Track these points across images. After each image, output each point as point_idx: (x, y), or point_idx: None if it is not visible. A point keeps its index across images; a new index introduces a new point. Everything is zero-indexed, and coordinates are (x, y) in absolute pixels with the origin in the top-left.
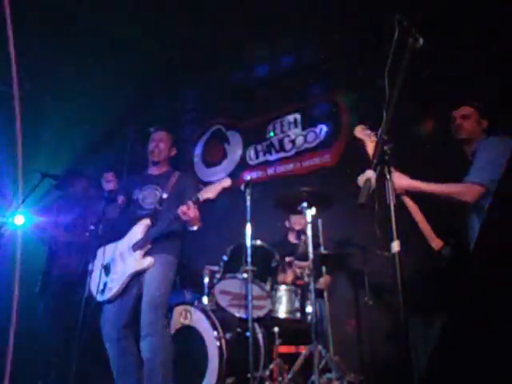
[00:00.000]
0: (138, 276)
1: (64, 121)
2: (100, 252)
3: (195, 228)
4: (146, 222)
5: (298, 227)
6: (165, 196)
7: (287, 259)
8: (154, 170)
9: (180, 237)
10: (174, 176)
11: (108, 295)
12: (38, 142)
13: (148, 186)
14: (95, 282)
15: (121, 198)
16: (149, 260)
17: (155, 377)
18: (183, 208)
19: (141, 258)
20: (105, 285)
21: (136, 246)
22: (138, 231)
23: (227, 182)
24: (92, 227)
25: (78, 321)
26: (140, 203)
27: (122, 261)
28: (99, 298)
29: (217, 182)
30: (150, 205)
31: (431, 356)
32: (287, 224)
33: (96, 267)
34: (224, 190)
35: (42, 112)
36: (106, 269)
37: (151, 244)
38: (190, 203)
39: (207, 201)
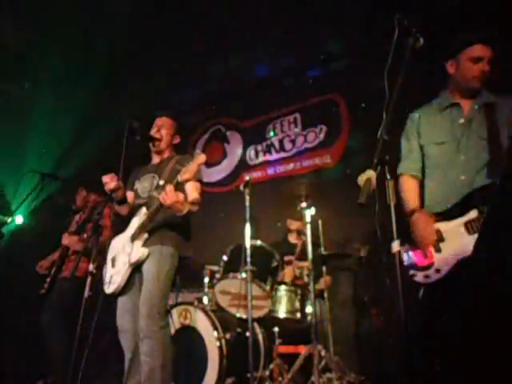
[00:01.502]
0: (138, 268)
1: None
2: (112, 244)
3: (183, 213)
4: (143, 211)
5: (293, 227)
6: (161, 182)
7: (286, 258)
8: (155, 159)
9: (179, 226)
10: (173, 161)
11: (113, 288)
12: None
13: (146, 175)
14: (105, 275)
15: (129, 194)
16: (141, 251)
17: (154, 380)
18: (162, 194)
19: (137, 249)
20: (111, 277)
21: (133, 237)
22: (135, 221)
23: (202, 158)
24: (85, 235)
25: (79, 321)
26: (138, 193)
27: (124, 253)
28: (107, 290)
29: (193, 161)
30: (146, 193)
31: (431, 355)
32: (288, 224)
33: (107, 260)
34: (200, 166)
35: (38, 110)
36: (113, 261)
37: (148, 233)
38: (169, 188)
39: (187, 181)
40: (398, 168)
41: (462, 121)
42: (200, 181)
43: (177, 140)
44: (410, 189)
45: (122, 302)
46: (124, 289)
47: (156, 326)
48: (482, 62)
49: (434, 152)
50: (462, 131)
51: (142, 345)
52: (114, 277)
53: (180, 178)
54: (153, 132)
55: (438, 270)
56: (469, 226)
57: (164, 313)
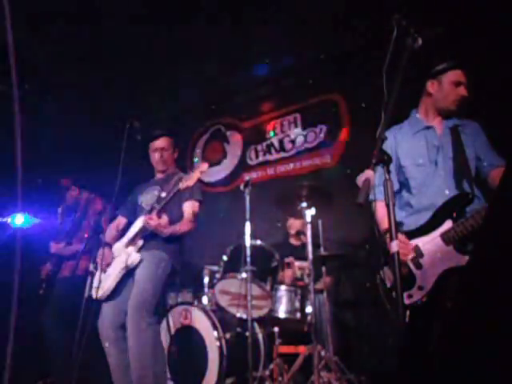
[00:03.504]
0: (130, 274)
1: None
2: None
3: (166, 235)
4: (142, 218)
5: (293, 230)
6: (163, 195)
7: (286, 260)
8: (159, 175)
9: (173, 238)
10: (177, 176)
11: (101, 292)
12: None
13: (150, 189)
14: (95, 280)
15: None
16: (134, 255)
17: (145, 379)
18: (147, 217)
19: (131, 253)
20: (100, 283)
21: (128, 243)
22: (133, 229)
23: (204, 167)
24: (86, 235)
25: (79, 321)
26: (142, 206)
27: (117, 258)
28: (94, 295)
29: (195, 168)
30: (149, 205)
31: (431, 355)
32: (288, 225)
33: (98, 265)
34: (202, 174)
35: (39, 112)
36: (106, 267)
37: (143, 240)
38: (153, 215)
39: (187, 188)
40: (372, 193)
41: (436, 143)
42: (199, 200)
43: (176, 154)
44: (384, 215)
45: (106, 306)
46: (112, 294)
47: (143, 324)
48: (462, 87)
49: (415, 173)
50: (437, 153)
51: (128, 343)
52: (104, 282)
53: (181, 185)
54: (157, 157)
55: (420, 287)
56: (445, 237)
57: (152, 311)
